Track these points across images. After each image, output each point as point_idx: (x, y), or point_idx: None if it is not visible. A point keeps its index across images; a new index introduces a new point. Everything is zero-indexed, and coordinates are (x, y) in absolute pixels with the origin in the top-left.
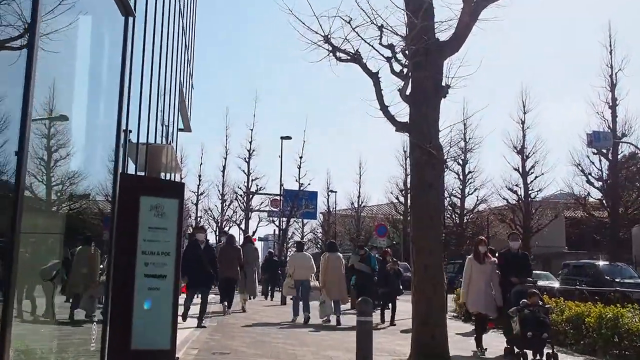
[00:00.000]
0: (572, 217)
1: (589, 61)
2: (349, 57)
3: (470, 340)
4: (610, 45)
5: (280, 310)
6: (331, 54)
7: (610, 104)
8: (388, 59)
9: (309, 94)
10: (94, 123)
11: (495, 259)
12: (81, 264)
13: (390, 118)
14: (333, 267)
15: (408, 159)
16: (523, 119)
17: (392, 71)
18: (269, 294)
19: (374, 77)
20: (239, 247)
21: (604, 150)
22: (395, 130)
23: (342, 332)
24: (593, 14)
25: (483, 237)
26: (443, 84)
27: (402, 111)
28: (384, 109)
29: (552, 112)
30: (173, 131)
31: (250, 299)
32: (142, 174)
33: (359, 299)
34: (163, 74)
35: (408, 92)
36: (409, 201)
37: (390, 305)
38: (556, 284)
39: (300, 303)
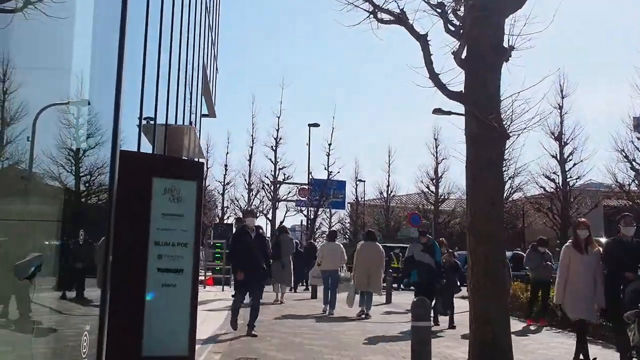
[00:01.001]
0: (611, 205)
1: (634, 40)
2: (392, 18)
3: (530, 343)
4: None
5: (309, 303)
6: (371, 15)
7: None
8: (442, 15)
9: (337, 80)
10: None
11: (599, 247)
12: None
13: (442, 86)
14: (365, 256)
15: (439, 146)
16: (561, 104)
17: (447, 29)
18: (293, 286)
19: (422, 40)
20: (266, 238)
21: None
22: (450, 99)
23: (379, 328)
24: None
25: (584, 219)
26: (505, 44)
27: (453, 80)
28: (434, 76)
29: (591, 96)
30: (196, 115)
31: (288, 291)
32: None
33: (415, 299)
34: (184, 52)
35: (464, 55)
36: (465, 182)
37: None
38: None
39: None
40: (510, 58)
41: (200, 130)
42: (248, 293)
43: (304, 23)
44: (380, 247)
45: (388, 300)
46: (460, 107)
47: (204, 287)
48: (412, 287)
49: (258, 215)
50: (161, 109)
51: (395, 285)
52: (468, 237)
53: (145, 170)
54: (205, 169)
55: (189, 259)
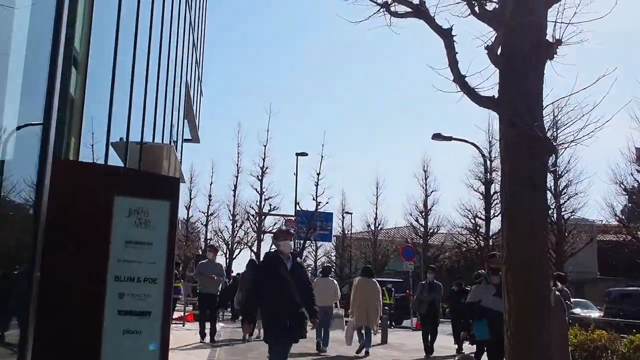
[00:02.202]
0: (604, 240)
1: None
2: (409, 10)
3: None
4: None
5: None
6: (383, 8)
7: None
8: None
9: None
10: None
11: None
12: None
13: (470, 91)
14: (364, 293)
15: (428, 178)
16: (555, 136)
17: (478, 12)
18: None
19: (446, 35)
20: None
21: None
22: (479, 105)
23: None
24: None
25: None
26: (550, 38)
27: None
28: (460, 79)
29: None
30: (178, 138)
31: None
32: None
33: None
34: (165, 67)
35: (499, 50)
36: (500, 205)
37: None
38: (596, 313)
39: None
40: (556, 54)
41: (182, 155)
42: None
43: (293, 46)
44: (377, 283)
45: (384, 340)
46: (462, 132)
47: (183, 325)
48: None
49: (243, 247)
50: (135, 127)
51: (390, 323)
52: (505, 274)
53: (104, 185)
54: (188, 197)
55: (158, 298)
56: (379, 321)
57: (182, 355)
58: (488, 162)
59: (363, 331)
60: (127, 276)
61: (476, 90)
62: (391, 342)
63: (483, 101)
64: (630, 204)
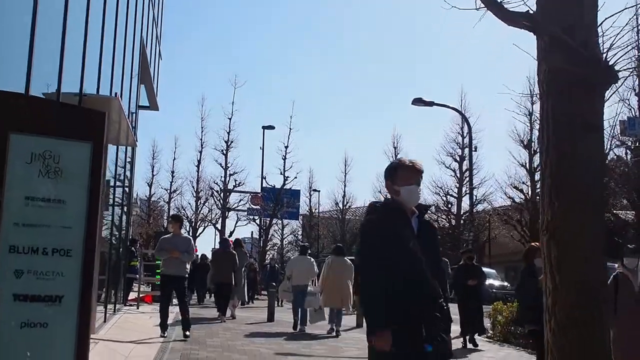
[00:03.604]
0: None
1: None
2: None
3: None
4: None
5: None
6: None
7: None
8: None
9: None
10: None
11: None
12: None
13: (497, 6)
14: (336, 272)
15: (399, 154)
16: (530, 110)
17: None
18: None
19: None
20: (233, 251)
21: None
22: (509, 24)
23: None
24: None
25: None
26: None
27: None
28: None
29: None
30: (131, 99)
31: (238, 305)
32: None
33: None
34: (113, 13)
35: None
36: (540, 156)
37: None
38: None
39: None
40: None
41: (136, 122)
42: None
43: (260, 13)
44: (350, 262)
45: (359, 324)
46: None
47: (137, 308)
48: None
49: (207, 225)
50: (72, 76)
51: None
52: (546, 244)
53: None
54: (150, 173)
55: (73, 277)
56: (352, 301)
57: (130, 346)
58: (460, 137)
59: (335, 312)
60: (28, 246)
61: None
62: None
63: (514, 18)
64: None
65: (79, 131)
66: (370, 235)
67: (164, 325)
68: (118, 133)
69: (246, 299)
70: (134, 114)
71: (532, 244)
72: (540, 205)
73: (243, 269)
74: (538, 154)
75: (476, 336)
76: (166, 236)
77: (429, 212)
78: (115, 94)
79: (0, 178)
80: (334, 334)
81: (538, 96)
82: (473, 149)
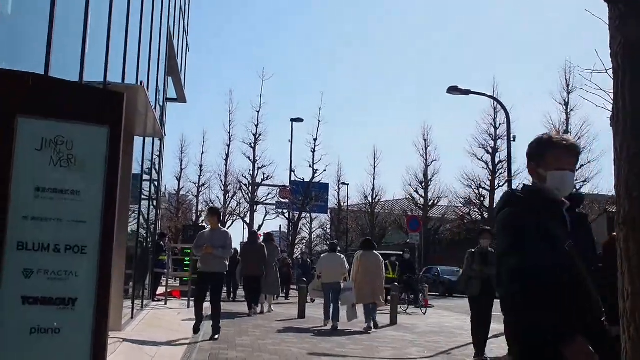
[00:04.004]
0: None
1: None
2: None
3: None
4: None
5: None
6: None
7: None
8: None
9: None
10: None
11: None
12: None
13: None
14: (367, 267)
15: (429, 147)
16: (567, 100)
17: None
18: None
19: None
20: (262, 244)
21: None
22: None
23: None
24: None
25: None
26: None
27: None
28: None
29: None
30: (157, 91)
31: (274, 298)
32: None
33: None
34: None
35: None
36: (613, 141)
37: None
38: None
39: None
40: None
41: (165, 114)
42: None
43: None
44: (380, 256)
45: (393, 321)
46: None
47: (165, 303)
48: None
49: (235, 218)
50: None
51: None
52: (624, 239)
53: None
54: (179, 167)
55: (88, 277)
56: (386, 297)
57: (156, 345)
58: (493, 129)
59: (370, 307)
60: (39, 242)
61: None
62: (401, 323)
63: None
64: None
65: (95, 114)
66: (518, 228)
67: (197, 328)
68: (145, 124)
69: (280, 293)
70: (162, 106)
71: None
72: (616, 195)
73: (275, 264)
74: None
75: None
76: (203, 231)
77: (460, 206)
78: (141, 82)
79: (6, 167)
80: (370, 331)
81: (612, 71)
82: (512, 139)
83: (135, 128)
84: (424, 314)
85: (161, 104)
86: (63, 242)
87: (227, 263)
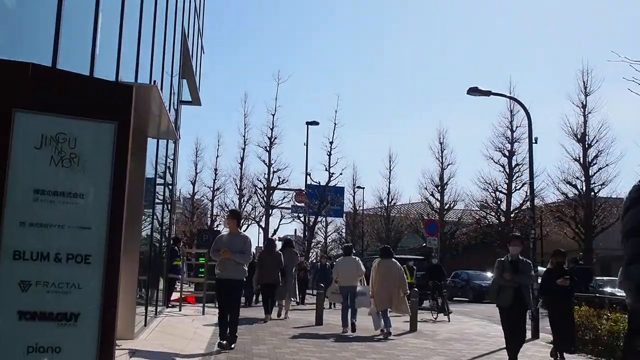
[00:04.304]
0: None
1: None
2: None
3: None
4: None
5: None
6: None
7: None
8: None
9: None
10: None
11: None
12: None
13: None
14: (385, 275)
15: (445, 150)
16: (584, 102)
17: None
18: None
19: None
20: (279, 252)
21: None
22: None
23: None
24: None
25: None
26: None
27: None
28: None
29: (618, 94)
30: (171, 93)
31: (291, 305)
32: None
33: None
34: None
35: None
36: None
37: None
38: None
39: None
40: None
41: (180, 116)
42: None
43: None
44: (398, 264)
45: (413, 328)
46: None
47: (180, 310)
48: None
49: (250, 222)
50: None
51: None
52: None
53: None
54: (194, 171)
55: (92, 290)
56: (408, 302)
57: (170, 355)
58: (510, 132)
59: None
60: (37, 251)
61: None
62: (421, 329)
63: None
64: None
65: (100, 109)
66: None
67: (223, 336)
68: (158, 125)
69: (297, 298)
70: (176, 108)
71: None
72: None
73: (294, 270)
74: (591, 147)
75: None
76: (221, 234)
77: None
78: (154, 81)
79: (2, 167)
80: (388, 337)
81: None
82: (534, 141)
83: (149, 129)
84: (449, 321)
85: (175, 106)
86: (65, 251)
87: (246, 269)
